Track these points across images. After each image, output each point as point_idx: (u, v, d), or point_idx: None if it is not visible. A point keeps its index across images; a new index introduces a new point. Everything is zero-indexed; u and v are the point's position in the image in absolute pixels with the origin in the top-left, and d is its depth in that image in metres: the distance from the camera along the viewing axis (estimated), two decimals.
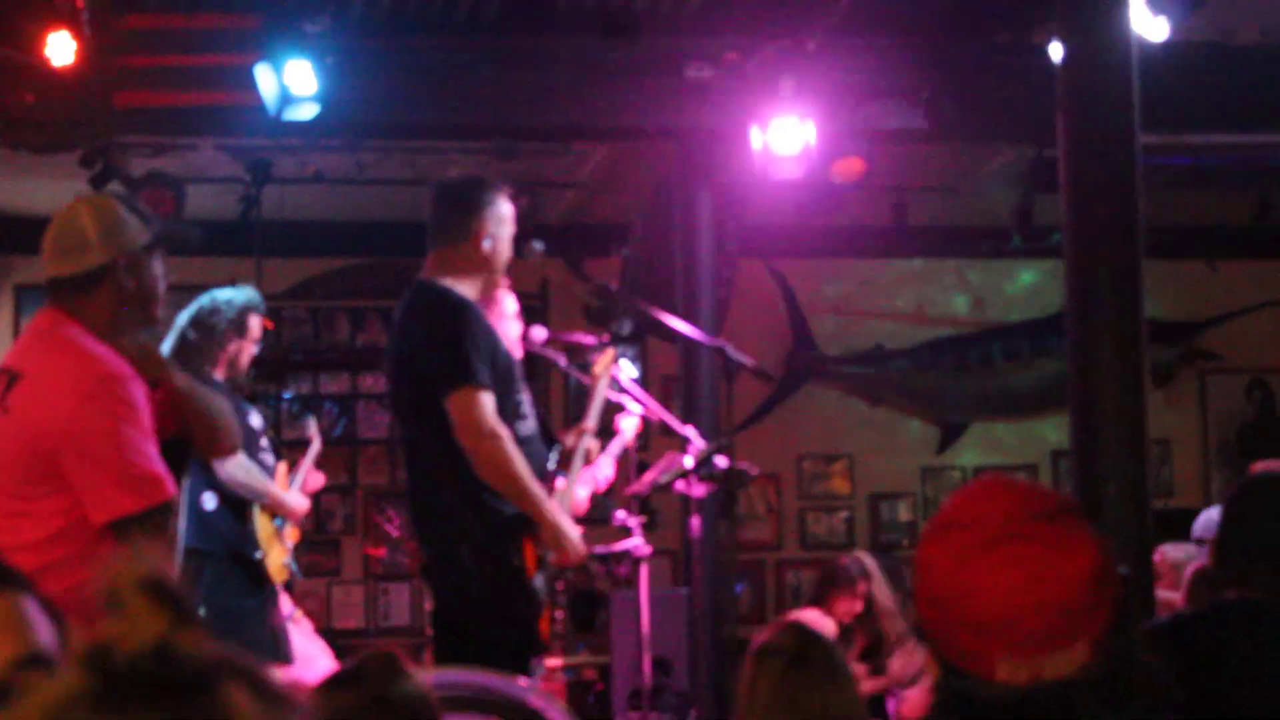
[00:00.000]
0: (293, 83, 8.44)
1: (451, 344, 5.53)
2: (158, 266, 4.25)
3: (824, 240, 12.56)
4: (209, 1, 8.74)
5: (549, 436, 6.10)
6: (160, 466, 3.97)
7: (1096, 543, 2.30)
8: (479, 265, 5.78)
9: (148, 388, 4.04)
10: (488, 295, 5.93)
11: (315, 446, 8.37)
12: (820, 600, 9.41)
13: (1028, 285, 13.36)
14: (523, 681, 5.16)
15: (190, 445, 4.23)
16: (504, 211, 5.87)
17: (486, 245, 5.79)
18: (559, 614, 7.69)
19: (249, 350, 7.49)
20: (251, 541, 7.27)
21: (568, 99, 9.45)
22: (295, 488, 7.88)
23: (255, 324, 7.53)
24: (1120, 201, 6.99)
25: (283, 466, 7.79)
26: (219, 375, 7.32)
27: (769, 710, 3.35)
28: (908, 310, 13.43)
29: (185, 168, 10.33)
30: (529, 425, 5.78)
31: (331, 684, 3.14)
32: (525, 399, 5.80)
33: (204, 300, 7.51)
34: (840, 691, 3.38)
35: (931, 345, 13.40)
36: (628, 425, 6.93)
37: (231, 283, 12.05)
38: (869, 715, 3.42)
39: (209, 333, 7.35)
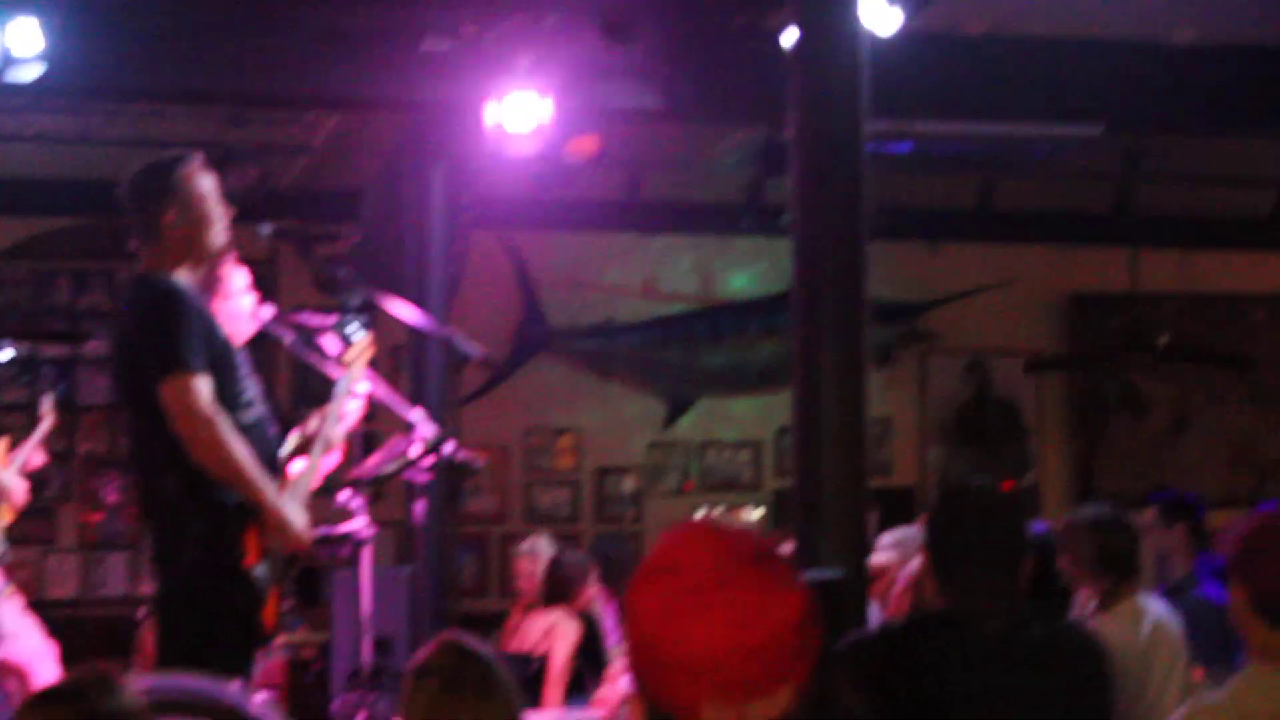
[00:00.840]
0: (16, 42, 8.17)
1: (160, 332, 5.39)
2: None
3: (557, 214, 12.57)
4: None
5: (283, 423, 6.01)
6: None
7: (801, 588, 2.31)
8: (185, 249, 5.63)
9: None
10: (208, 276, 5.79)
11: (46, 425, 8.12)
12: (566, 598, 9.37)
13: (757, 264, 13.50)
14: (238, 685, 5.07)
15: None
16: (199, 189, 5.67)
17: (182, 227, 5.61)
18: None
19: None
20: None
21: (300, 66, 9.28)
22: (15, 467, 7.65)
23: None
24: (846, 185, 7.09)
25: (2, 443, 7.58)
26: None
27: None
28: (638, 286, 13.50)
29: None
30: (255, 412, 5.66)
31: (43, 700, 3.09)
32: (250, 385, 5.69)
33: None
34: (496, 710, 3.36)
35: (661, 321, 13.49)
36: (352, 409, 6.86)
37: None
38: None
39: None
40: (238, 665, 5.39)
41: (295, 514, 5.55)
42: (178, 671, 4.74)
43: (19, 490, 7.43)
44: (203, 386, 5.36)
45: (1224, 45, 10.09)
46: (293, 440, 6.02)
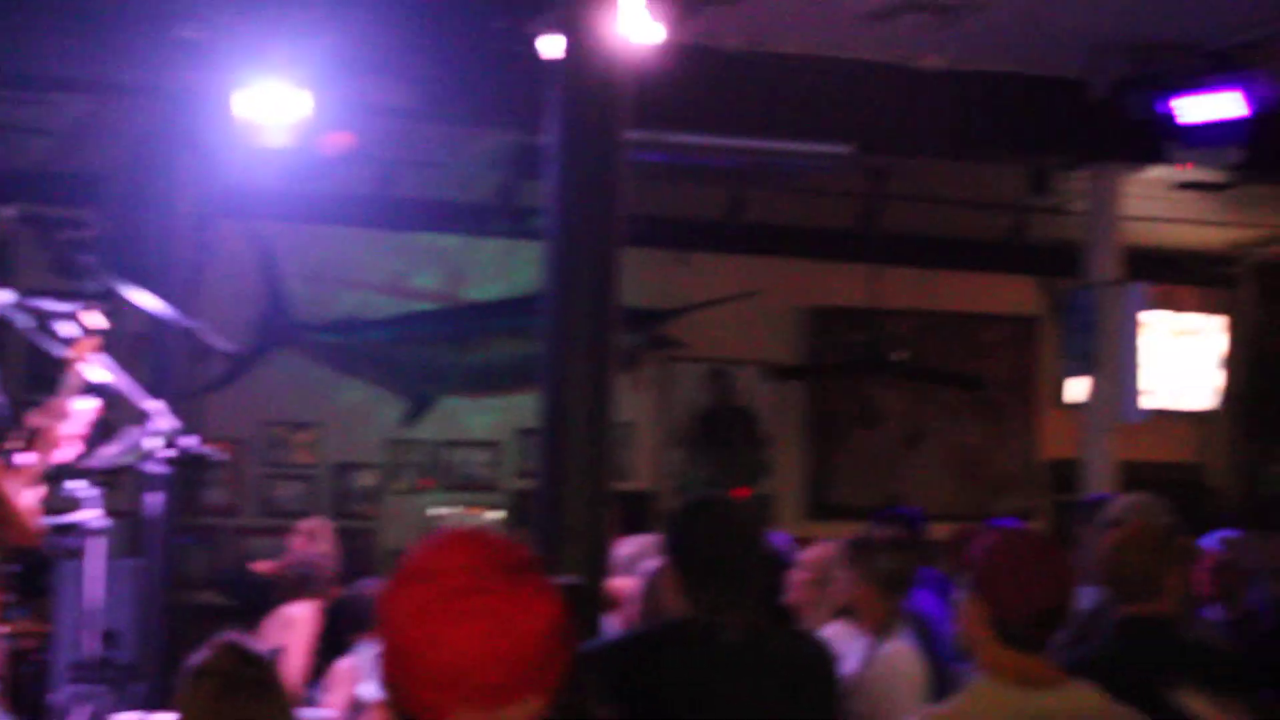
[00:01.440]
0: None
1: None
2: None
3: (307, 207, 12.45)
4: None
5: (15, 409, 5.85)
6: None
7: (555, 597, 2.33)
8: None
9: None
10: None
11: None
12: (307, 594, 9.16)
13: (504, 266, 13.48)
14: None
15: None
16: None
17: None
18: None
19: None
20: None
21: (45, 46, 9.07)
22: None
23: None
24: (603, 192, 7.14)
25: None
26: None
27: None
28: (386, 282, 13.41)
29: None
30: None
31: None
32: None
33: None
34: (273, 712, 3.34)
35: (404, 318, 13.42)
36: (87, 407, 6.70)
37: None
38: None
39: None
40: None
41: (21, 505, 5.41)
42: None
43: None
44: None
45: (969, 71, 10.35)
46: (22, 431, 5.87)
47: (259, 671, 3.35)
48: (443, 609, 2.24)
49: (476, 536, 2.37)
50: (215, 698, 3.31)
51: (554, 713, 2.28)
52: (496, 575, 2.27)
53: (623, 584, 6.76)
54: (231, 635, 3.61)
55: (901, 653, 6.12)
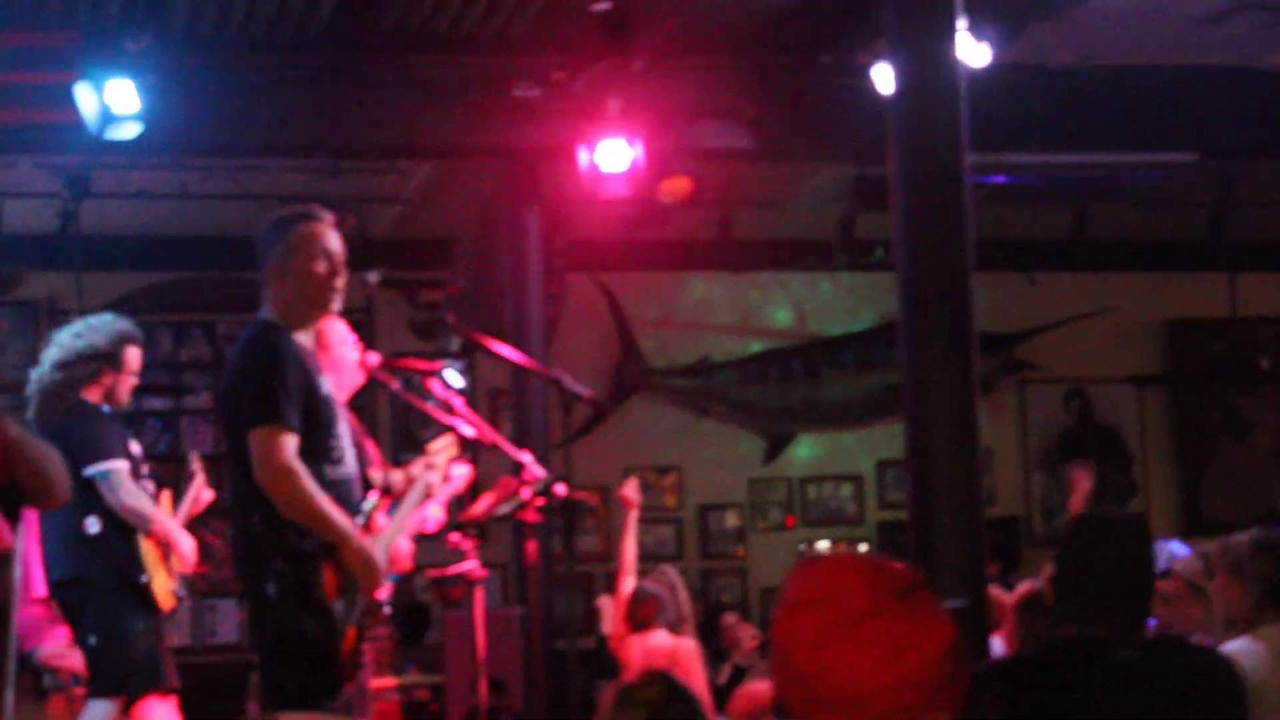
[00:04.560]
0: (114, 101, 8.28)
1: (261, 382, 5.46)
2: None
3: (651, 255, 12.62)
4: (26, 19, 8.55)
5: (383, 468, 6.06)
6: None
7: (949, 618, 2.33)
8: (298, 298, 5.68)
9: None
10: (313, 327, 5.83)
11: (198, 480, 8.18)
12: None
13: (849, 299, 13.49)
14: None
15: (21, 495, 4.11)
16: (322, 243, 5.71)
17: (298, 278, 5.66)
18: (383, 631, 7.65)
19: (127, 382, 7.39)
20: (137, 566, 7.19)
21: (393, 116, 9.39)
22: (179, 521, 7.72)
23: (133, 356, 7.41)
24: (950, 219, 7.09)
25: (166, 495, 7.67)
26: (94, 400, 7.24)
27: None
28: (733, 323, 13.52)
29: (1, 182, 10.15)
30: (344, 469, 5.70)
31: None
32: (343, 441, 5.72)
33: (77, 326, 7.40)
34: None
35: (756, 358, 13.50)
36: (460, 474, 6.89)
37: (51, 300, 12.00)
38: None
39: (76, 364, 7.25)
40: (320, 699, 5.44)
41: (378, 559, 5.59)
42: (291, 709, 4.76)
43: (188, 545, 7.50)
44: (290, 442, 5.41)
45: None
46: (379, 492, 6.07)
47: (688, 710, 3.34)
48: (842, 635, 2.25)
49: (867, 561, 2.38)
50: None
51: None
52: (891, 599, 2.28)
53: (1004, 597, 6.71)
54: (661, 670, 3.60)
55: (1257, 651, 5.91)
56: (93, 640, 7.13)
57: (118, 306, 12.06)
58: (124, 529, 7.18)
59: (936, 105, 7.08)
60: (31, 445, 4.11)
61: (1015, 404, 13.92)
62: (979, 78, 7.98)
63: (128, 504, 7.12)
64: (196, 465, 8.21)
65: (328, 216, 5.79)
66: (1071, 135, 10.04)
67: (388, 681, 9.31)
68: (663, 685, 3.38)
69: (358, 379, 6.69)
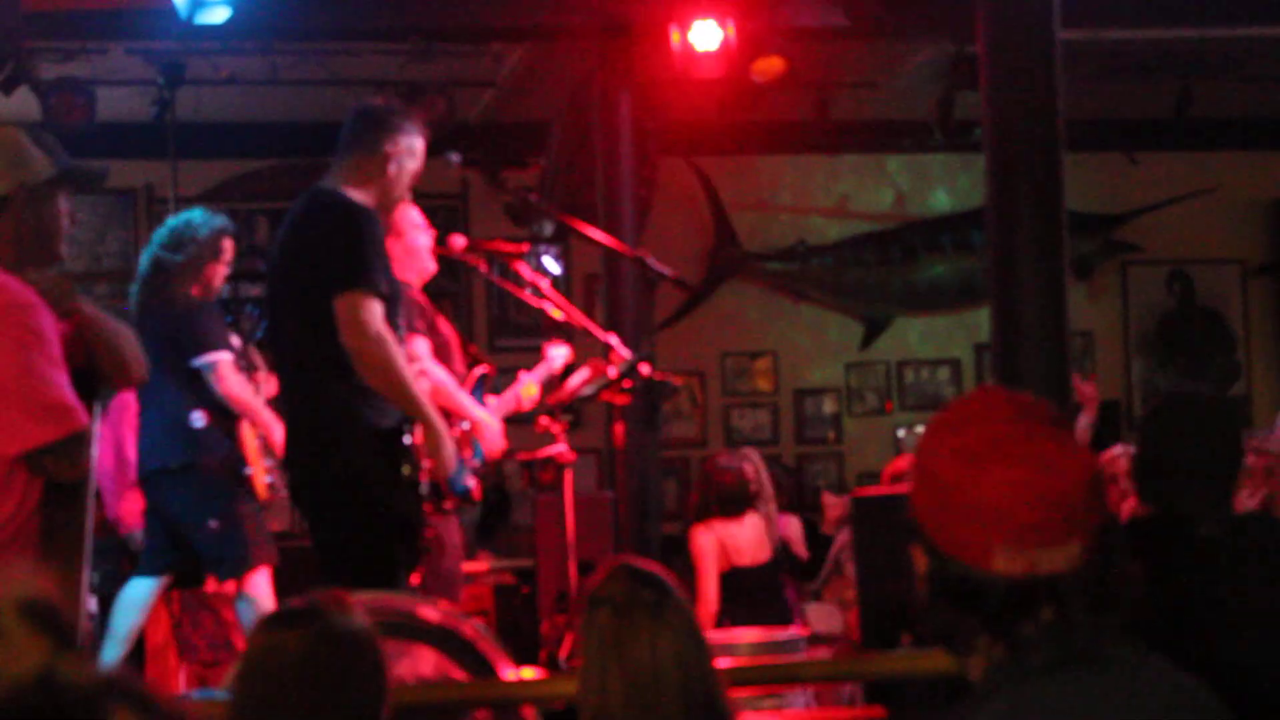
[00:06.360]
0: None
1: (351, 247, 5.45)
2: (62, 204, 4.11)
3: (746, 137, 12.51)
4: None
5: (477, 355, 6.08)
6: (72, 396, 3.85)
7: (1090, 452, 2.39)
8: (380, 185, 5.69)
9: (56, 318, 3.92)
10: (385, 217, 5.84)
11: (264, 372, 8.26)
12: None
13: (949, 180, 13.35)
14: (446, 607, 5.12)
15: (98, 376, 4.12)
16: (416, 145, 5.76)
17: (392, 169, 5.68)
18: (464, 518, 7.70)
19: (221, 272, 7.55)
20: (239, 457, 7.31)
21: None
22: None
23: (228, 246, 7.56)
24: (1039, 96, 6.99)
25: (272, 380, 7.78)
26: (195, 294, 7.37)
27: (601, 659, 3.27)
28: (830, 206, 13.41)
29: (96, 71, 10.17)
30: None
31: (276, 622, 3.11)
32: (402, 332, 5.73)
33: (176, 223, 7.53)
34: (672, 639, 3.26)
35: (853, 241, 13.39)
36: (557, 354, 6.87)
37: (149, 188, 12.07)
38: (710, 657, 3.30)
39: (183, 255, 7.36)
40: (399, 574, 5.46)
41: (449, 443, 5.58)
42: (367, 590, 4.75)
43: (279, 430, 7.60)
44: (378, 308, 5.42)
45: None
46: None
47: (654, 595, 3.30)
48: (992, 449, 2.28)
49: (1019, 393, 2.43)
50: (607, 624, 3.27)
51: (1094, 564, 2.28)
52: (1039, 424, 2.32)
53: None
54: (624, 558, 3.57)
55: None
56: (214, 524, 7.23)
57: (213, 195, 12.16)
58: (227, 422, 7.29)
59: None
60: (107, 324, 4.10)
61: (1116, 286, 13.75)
62: None
63: (234, 394, 7.25)
64: (257, 358, 8.29)
65: (417, 125, 5.79)
66: (1176, 8, 9.82)
67: (479, 565, 9.37)
68: (624, 577, 3.34)
69: (430, 266, 6.70)
